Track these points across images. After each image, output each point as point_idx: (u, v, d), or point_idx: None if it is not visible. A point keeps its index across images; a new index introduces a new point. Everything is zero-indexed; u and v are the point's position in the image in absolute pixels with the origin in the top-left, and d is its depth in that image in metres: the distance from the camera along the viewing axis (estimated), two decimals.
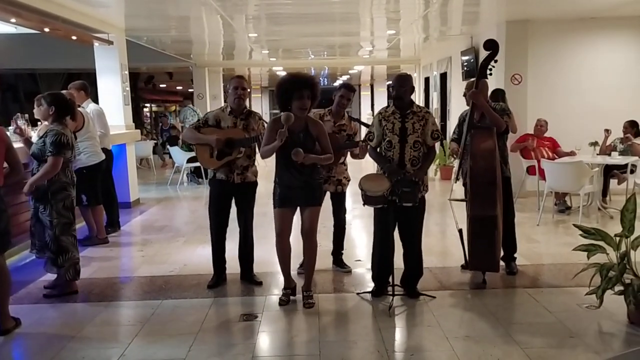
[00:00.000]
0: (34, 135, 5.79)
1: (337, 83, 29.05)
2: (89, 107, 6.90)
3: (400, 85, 4.51)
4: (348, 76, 24.26)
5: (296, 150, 4.16)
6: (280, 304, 4.54)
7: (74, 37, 7.77)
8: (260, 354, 3.74)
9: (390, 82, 4.67)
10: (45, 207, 4.67)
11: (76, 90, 6.71)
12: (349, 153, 5.21)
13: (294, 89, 4.25)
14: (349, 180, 5.29)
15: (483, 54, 4.99)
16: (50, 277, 5.06)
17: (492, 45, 4.86)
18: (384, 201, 4.40)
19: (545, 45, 9.01)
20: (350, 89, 5.25)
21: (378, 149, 4.66)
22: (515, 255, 5.27)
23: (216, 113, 4.97)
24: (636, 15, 8.81)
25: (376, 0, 7.87)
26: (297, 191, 4.37)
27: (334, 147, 4.54)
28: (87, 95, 6.98)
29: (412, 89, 4.58)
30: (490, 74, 4.94)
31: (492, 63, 4.89)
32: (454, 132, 5.51)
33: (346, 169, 5.30)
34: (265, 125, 4.73)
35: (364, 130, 5.14)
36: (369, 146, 4.70)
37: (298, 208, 4.49)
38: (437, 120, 13.17)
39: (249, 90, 4.97)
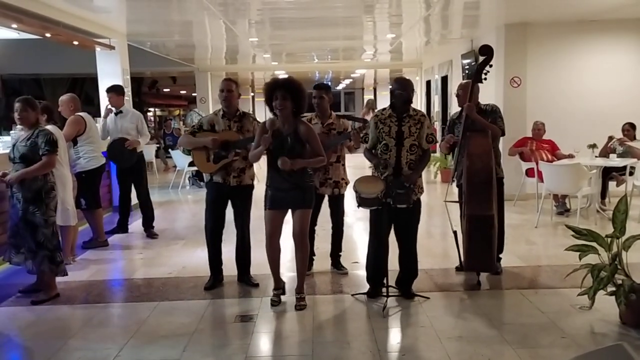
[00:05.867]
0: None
1: (340, 87, 29.24)
2: (131, 111, 7.25)
3: (411, 89, 4.55)
4: (351, 80, 24.31)
5: (283, 160, 4.22)
6: (272, 305, 4.59)
7: (75, 43, 7.86)
8: (253, 354, 3.77)
9: (392, 85, 4.68)
10: (39, 207, 4.68)
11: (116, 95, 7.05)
12: (345, 150, 5.26)
13: (271, 93, 4.34)
14: (347, 183, 5.30)
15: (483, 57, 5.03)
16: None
17: (487, 51, 4.92)
18: (378, 203, 4.43)
19: (544, 48, 9.03)
20: (318, 88, 5.25)
21: (373, 151, 4.69)
22: (501, 256, 5.28)
23: (210, 117, 5.02)
24: (635, 18, 8.82)
25: (378, 4, 7.92)
26: (288, 194, 4.41)
27: (324, 147, 4.59)
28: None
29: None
30: (485, 79, 4.98)
31: (487, 68, 4.94)
32: (443, 134, 5.55)
33: (344, 170, 5.32)
34: None
35: (358, 126, 5.20)
36: (364, 148, 4.74)
37: (289, 211, 4.53)
38: (439, 124, 13.24)
39: (236, 90, 4.93)
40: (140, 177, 7.25)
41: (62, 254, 4.87)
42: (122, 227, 7.36)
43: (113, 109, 7.02)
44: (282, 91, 4.31)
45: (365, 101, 15.96)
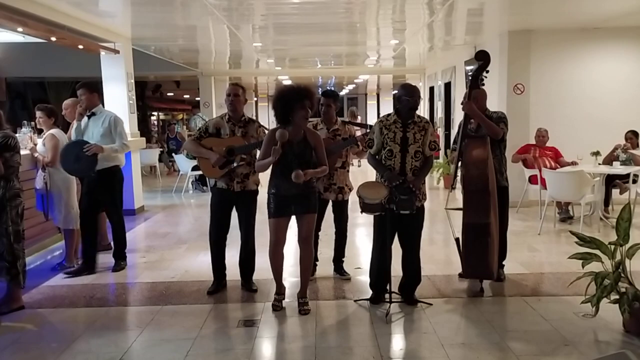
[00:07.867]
0: (39, 143, 5.88)
1: (343, 92, 29.27)
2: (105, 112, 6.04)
3: (418, 96, 4.57)
4: (354, 85, 24.34)
5: (296, 173, 4.21)
6: (274, 309, 4.60)
7: (80, 46, 7.88)
8: (256, 359, 3.78)
9: (398, 91, 4.68)
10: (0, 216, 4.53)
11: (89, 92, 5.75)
12: (350, 155, 5.30)
13: (296, 100, 4.29)
14: (350, 189, 5.32)
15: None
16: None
17: (483, 56, 4.95)
18: (381, 209, 4.43)
19: (548, 55, 9.03)
20: (327, 95, 5.30)
21: (377, 157, 4.69)
22: (504, 263, 5.29)
23: (216, 121, 5.03)
24: (638, 26, 8.83)
25: (382, 10, 7.94)
26: (293, 200, 4.42)
27: (328, 150, 4.62)
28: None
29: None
30: (483, 84, 5.00)
31: (484, 74, 4.97)
32: (454, 142, 5.54)
33: (348, 176, 5.34)
34: (266, 132, 4.77)
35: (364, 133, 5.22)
36: (368, 153, 4.75)
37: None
38: (442, 130, 13.25)
39: (242, 95, 4.95)
40: (112, 196, 5.79)
41: (19, 263, 4.60)
42: (89, 263, 5.71)
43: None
44: (309, 101, 4.32)
45: (349, 110, 17.29)
